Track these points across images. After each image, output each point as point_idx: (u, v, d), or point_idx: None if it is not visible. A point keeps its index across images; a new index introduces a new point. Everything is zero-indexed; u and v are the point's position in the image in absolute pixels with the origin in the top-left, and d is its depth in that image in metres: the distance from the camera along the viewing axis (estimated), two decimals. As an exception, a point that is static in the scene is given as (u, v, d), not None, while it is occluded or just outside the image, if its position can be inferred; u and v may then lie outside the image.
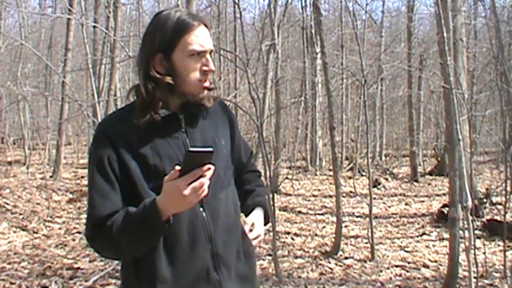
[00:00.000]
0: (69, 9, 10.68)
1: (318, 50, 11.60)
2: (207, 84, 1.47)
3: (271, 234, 5.04)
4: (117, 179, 1.40)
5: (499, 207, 7.28)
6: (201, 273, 1.42)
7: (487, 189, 8.32)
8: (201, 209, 1.44)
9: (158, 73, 1.43)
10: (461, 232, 4.49)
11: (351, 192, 10.11)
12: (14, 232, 6.85)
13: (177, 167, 1.28)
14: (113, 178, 1.39)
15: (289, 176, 11.42)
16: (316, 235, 6.79)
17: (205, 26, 1.47)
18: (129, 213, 1.35)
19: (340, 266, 5.35)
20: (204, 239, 1.43)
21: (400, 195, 10.26)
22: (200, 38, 1.43)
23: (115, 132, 1.43)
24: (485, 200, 7.69)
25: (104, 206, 1.37)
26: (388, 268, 5.26)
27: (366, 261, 5.48)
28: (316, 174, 13.04)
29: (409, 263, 5.46)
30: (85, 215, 7.54)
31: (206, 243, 1.43)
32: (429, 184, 11.70)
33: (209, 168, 1.27)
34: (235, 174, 1.65)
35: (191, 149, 1.30)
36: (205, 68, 1.45)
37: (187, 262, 1.41)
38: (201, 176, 1.27)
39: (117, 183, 1.40)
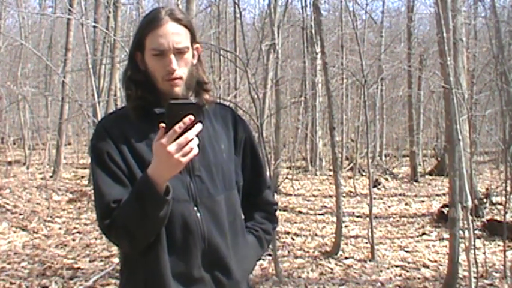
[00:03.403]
0: (69, 9, 10.68)
1: (318, 50, 11.60)
2: (175, 90, 1.44)
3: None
4: (121, 172, 1.40)
5: (499, 207, 7.27)
6: (193, 272, 1.42)
7: (487, 189, 8.32)
8: (195, 208, 1.44)
9: (139, 71, 1.47)
10: (461, 232, 4.48)
11: (351, 192, 10.11)
12: (14, 232, 6.85)
13: (162, 124, 1.25)
14: (117, 171, 1.40)
15: (289, 176, 11.41)
16: (316, 235, 6.79)
17: (178, 22, 1.43)
18: (130, 192, 1.35)
19: (340, 266, 5.35)
20: (196, 238, 1.42)
21: (400, 195, 10.26)
22: (161, 37, 1.41)
23: (115, 128, 1.45)
24: (485, 200, 7.68)
25: (110, 192, 1.37)
26: (388, 268, 5.26)
27: (366, 261, 5.48)
28: (316, 174, 13.04)
29: (409, 263, 5.46)
30: (85, 215, 7.49)
31: (199, 243, 1.43)
32: (429, 184, 11.70)
33: (191, 120, 1.24)
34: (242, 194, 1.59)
35: (172, 101, 1.26)
36: (167, 68, 1.42)
37: (180, 260, 1.41)
38: (187, 132, 1.24)
39: (121, 175, 1.40)
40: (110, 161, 1.40)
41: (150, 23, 1.43)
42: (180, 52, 1.43)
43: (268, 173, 5.21)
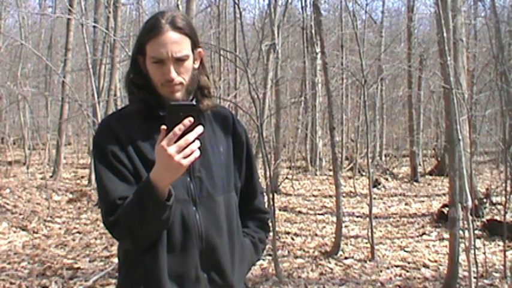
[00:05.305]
0: (69, 9, 10.70)
1: (318, 50, 11.60)
2: (175, 95, 1.44)
3: (271, 234, 5.04)
4: (126, 169, 1.41)
5: (499, 207, 7.27)
6: (190, 271, 1.44)
7: (487, 189, 8.31)
8: (194, 208, 1.45)
9: (141, 74, 1.48)
10: (461, 232, 4.48)
11: (351, 192, 10.11)
12: (14, 232, 6.85)
13: (163, 126, 1.25)
14: (122, 168, 1.41)
15: (289, 176, 11.41)
16: (316, 235, 6.79)
17: (178, 31, 1.43)
18: (133, 194, 1.36)
19: (340, 266, 5.35)
20: (194, 238, 1.44)
21: (400, 195, 10.26)
22: (160, 46, 1.41)
23: (119, 127, 1.46)
24: (485, 200, 7.68)
25: (116, 189, 1.38)
26: (388, 268, 5.26)
27: (366, 261, 5.48)
28: (316, 174, 13.04)
29: (409, 263, 5.46)
30: (85, 215, 7.49)
31: (196, 242, 1.44)
32: (429, 184, 11.70)
33: (190, 121, 1.24)
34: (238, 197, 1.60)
35: (171, 102, 1.27)
36: (166, 77, 1.43)
37: (178, 259, 1.42)
38: (188, 134, 1.24)
39: (126, 172, 1.41)
40: (114, 158, 1.41)
41: (151, 30, 1.43)
42: (179, 60, 1.43)
43: (268, 174, 5.22)
